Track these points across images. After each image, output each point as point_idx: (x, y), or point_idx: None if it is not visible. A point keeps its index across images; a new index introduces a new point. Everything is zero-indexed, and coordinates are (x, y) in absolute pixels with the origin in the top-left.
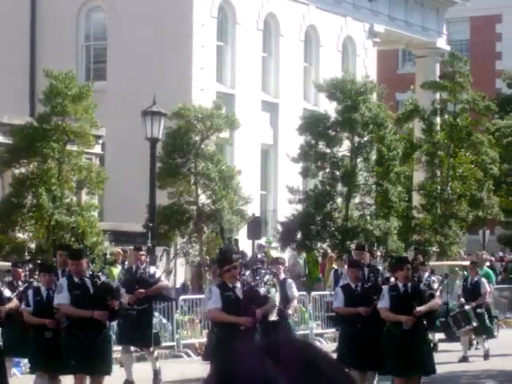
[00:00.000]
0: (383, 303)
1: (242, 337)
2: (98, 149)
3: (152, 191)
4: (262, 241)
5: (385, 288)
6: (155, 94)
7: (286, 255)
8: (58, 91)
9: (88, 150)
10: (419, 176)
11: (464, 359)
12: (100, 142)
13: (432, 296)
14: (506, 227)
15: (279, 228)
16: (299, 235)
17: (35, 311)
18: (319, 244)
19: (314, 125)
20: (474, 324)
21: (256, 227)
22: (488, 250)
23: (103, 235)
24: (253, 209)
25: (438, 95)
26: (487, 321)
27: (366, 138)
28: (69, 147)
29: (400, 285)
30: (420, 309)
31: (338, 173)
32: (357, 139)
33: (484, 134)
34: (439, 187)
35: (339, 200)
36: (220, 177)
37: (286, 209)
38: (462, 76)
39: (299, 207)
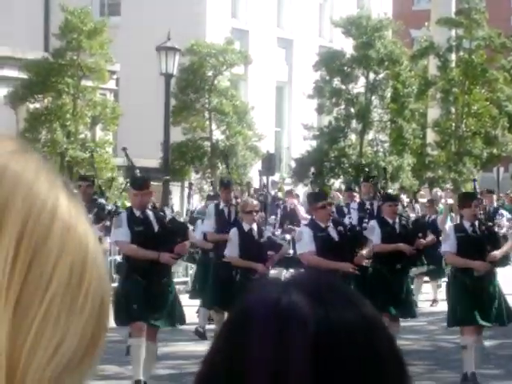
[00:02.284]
0: (448, 246)
1: None
2: (112, 84)
3: (166, 127)
4: (276, 177)
5: (449, 228)
6: (170, 29)
7: (301, 191)
8: (74, 26)
9: (102, 85)
10: (434, 113)
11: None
12: (114, 77)
13: (505, 238)
14: None
15: (293, 165)
16: (313, 171)
17: None
18: (332, 180)
19: (329, 61)
20: (429, 267)
21: (270, 164)
22: (502, 187)
23: (117, 171)
24: (267, 146)
25: (453, 32)
26: (443, 263)
27: (381, 75)
28: (83, 83)
29: (467, 224)
30: (495, 253)
31: (352, 109)
32: (372, 76)
33: (499, 71)
34: (454, 124)
35: (353, 137)
36: (234, 112)
37: (300, 146)
38: (477, 12)
39: (313, 144)
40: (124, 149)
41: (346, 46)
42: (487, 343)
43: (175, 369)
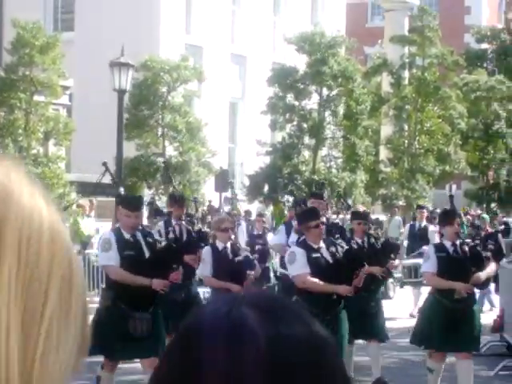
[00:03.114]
0: (429, 266)
1: (330, 309)
2: (65, 99)
3: (119, 143)
4: (229, 193)
5: (430, 248)
6: (123, 44)
7: (254, 208)
8: (26, 41)
9: (55, 100)
10: (387, 130)
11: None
12: (67, 92)
13: (488, 259)
14: (473, 182)
15: (246, 181)
16: (266, 188)
17: None
18: (286, 197)
19: (282, 77)
20: None
21: (223, 180)
22: (454, 204)
23: (70, 186)
24: (220, 162)
25: (406, 49)
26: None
27: (334, 92)
28: (36, 98)
29: (448, 244)
30: (480, 275)
31: (305, 125)
32: (325, 92)
33: (452, 88)
34: (406, 141)
35: (306, 153)
36: (187, 129)
37: (253, 162)
38: (430, 30)
39: (267, 160)
40: (104, 164)
41: (300, 62)
42: None
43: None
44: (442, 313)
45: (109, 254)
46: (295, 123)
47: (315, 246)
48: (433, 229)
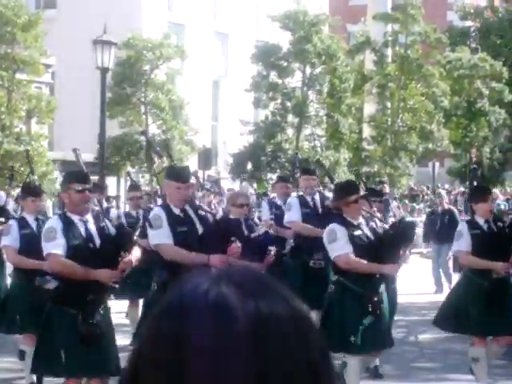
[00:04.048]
0: (462, 245)
1: (377, 289)
2: (47, 78)
3: (102, 121)
4: (212, 171)
5: (462, 225)
6: (106, 22)
7: (237, 186)
8: (8, 19)
9: (37, 78)
10: (370, 108)
11: None
12: (50, 70)
13: None
14: (456, 159)
15: (230, 159)
16: (250, 166)
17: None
18: (269, 175)
19: (266, 55)
20: None
21: (206, 158)
22: (437, 182)
23: (53, 165)
24: (204, 140)
25: (389, 27)
26: None
27: (317, 70)
28: (18, 76)
29: (481, 221)
30: None
31: (289, 104)
32: (309, 70)
33: (435, 66)
34: (390, 119)
35: (290, 131)
36: (170, 106)
37: (237, 140)
38: (413, 8)
39: (250, 138)
40: (143, 132)
41: (283, 40)
42: (421, 336)
43: None
44: (478, 293)
45: (160, 232)
46: (279, 101)
47: (355, 223)
48: (394, 204)
